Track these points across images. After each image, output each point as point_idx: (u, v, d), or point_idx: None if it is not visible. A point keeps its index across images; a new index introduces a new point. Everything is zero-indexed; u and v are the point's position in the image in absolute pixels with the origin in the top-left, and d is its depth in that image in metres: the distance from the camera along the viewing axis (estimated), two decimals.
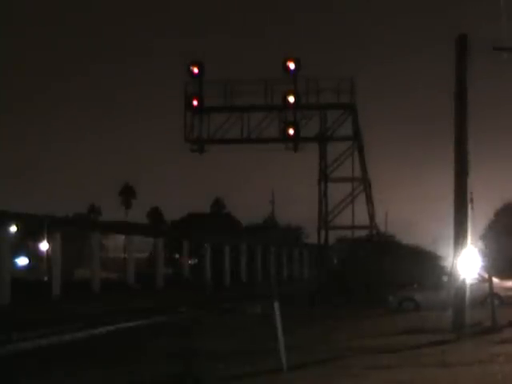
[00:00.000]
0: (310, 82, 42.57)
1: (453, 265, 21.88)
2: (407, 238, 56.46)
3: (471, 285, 22.56)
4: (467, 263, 22.09)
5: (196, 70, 42.31)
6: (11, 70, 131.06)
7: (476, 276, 30.22)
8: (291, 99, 41.67)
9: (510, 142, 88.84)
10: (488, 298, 22.60)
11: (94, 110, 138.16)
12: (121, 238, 77.25)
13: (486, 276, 26.61)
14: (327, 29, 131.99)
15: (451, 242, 22.04)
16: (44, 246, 61.95)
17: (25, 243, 71.07)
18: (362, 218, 44.85)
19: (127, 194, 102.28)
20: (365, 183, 44.49)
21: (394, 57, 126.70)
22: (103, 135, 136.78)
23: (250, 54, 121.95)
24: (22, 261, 71.21)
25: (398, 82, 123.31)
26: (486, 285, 23.90)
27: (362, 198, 44.62)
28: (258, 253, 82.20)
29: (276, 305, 14.89)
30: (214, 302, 42.83)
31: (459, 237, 21.45)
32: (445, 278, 30.16)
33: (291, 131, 42.09)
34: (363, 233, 45.92)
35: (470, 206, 21.52)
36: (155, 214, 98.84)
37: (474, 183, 21.66)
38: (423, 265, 44.20)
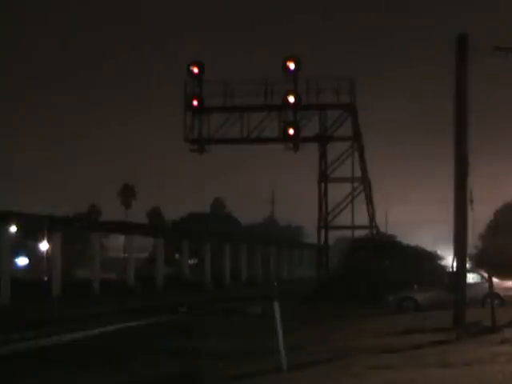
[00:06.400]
0: (310, 81, 42.58)
1: (453, 265, 21.86)
2: (407, 238, 56.27)
3: (471, 284, 22.56)
4: (467, 263, 22.09)
5: (196, 70, 42.29)
6: (10, 69, 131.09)
7: (474, 275, 30.30)
8: (291, 99, 41.65)
9: (510, 141, 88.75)
10: (488, 297, 22.56)
11: (94, 109, 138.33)
12: (121, 238, 77.30)
13: (486, 276, 26.58)
14: (327, 29, 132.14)
15: (451, 241, 22.03)
16: (44, 245, 61.93)
17: (25, 243, 71.02)
18: (362, 217, 44.93)
19: (127, 193, 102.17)
20: (365, 183, 44.50)
21: (394, 57, 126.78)
22: (103, 135, 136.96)
23: (250, 54, 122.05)
24: (22, 261, 71.15)
25: (398, 81, 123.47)
26: (486, 285, 23.88)
27: (361, 198, 44.68)
28: (258, 253, 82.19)
29: (276, 305, 14.87)
30: (214, 302, 42.83)
31: (459, 237, 21.43)
32: (445, 278, 30.16)
33: (291, 131, 42.06)
34: (363, 233, 45.96)
35: (469, 207, 21.51)
36: (155, 213, 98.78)
37: (474, 183, 21.66)
38: (423, 264, 44.20)
